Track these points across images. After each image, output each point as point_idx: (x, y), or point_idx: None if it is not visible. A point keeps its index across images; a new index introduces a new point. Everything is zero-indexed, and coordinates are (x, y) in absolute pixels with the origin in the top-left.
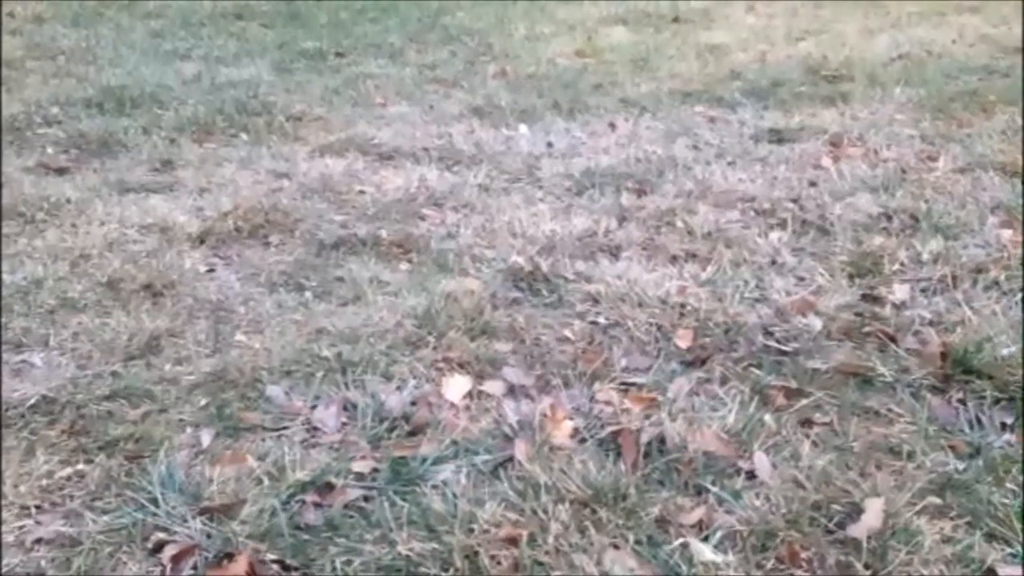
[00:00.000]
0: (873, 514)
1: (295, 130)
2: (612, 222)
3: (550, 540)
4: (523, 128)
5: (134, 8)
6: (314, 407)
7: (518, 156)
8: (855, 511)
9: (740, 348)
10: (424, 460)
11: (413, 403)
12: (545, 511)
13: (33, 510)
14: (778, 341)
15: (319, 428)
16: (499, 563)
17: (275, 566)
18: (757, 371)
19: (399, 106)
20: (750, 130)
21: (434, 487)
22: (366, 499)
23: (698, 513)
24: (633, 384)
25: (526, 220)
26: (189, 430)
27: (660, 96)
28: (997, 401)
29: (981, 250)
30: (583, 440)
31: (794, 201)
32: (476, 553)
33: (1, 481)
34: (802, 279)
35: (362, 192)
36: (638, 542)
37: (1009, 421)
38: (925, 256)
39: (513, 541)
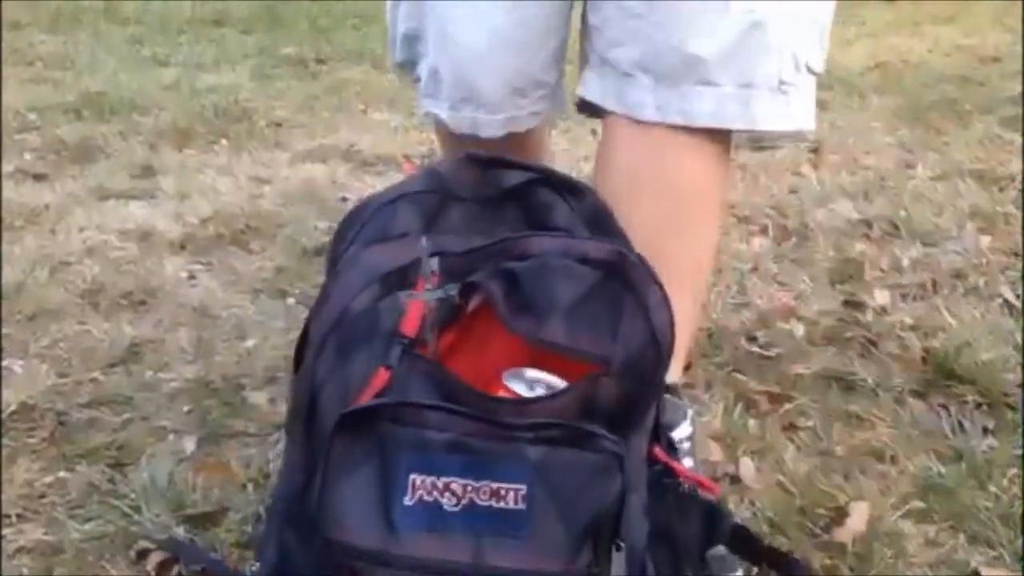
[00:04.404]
0: (858, 518)
1: (276, 136)
2: None
3: None
4: None
5: (112, 14)
6: None
7: None
8: (840, 515)
9: (724, 353)
10: None
11: None
12: None
13: (14, 518)
14: (761, 346)
15: None
16: None
17: None
18: (741, 376)
19: (381, 113)
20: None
21: None
22: None
23: None
24: None
25: None
26: (171, 437)
27: None
28: (979, 405)
29: (960, 256)
30: None
31: (775, 208)
32: None
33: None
34: (784, 285)
35: (345, 199)
36: None
37: (991, 425)
38: (905, 262)
39: None
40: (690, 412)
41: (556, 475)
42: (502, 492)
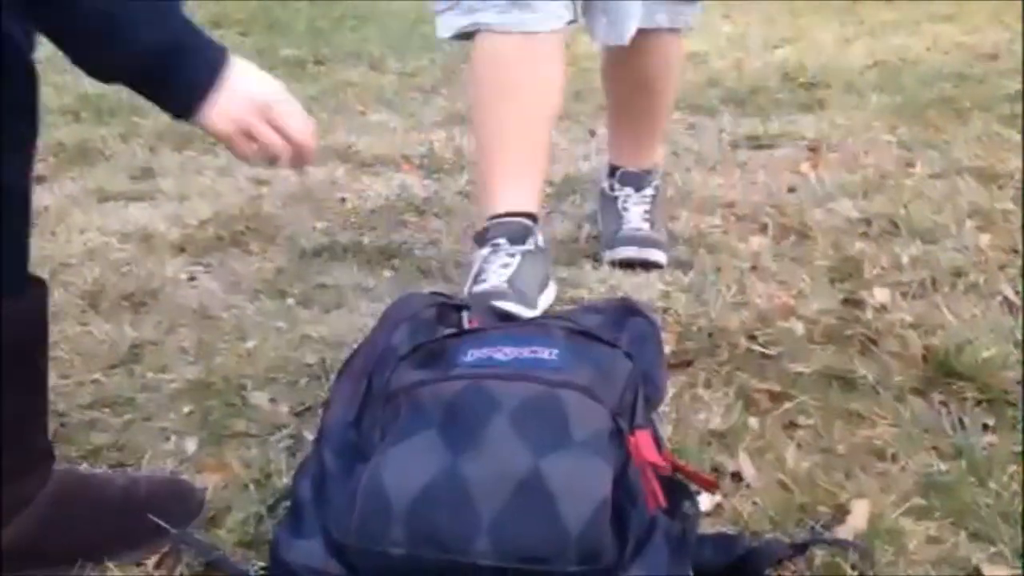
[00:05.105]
0: (859, 515)
1: None
2: (594, 228)
3: None
4: None
5: None
6: (299, 413)
7: None
8: (841, 513)
9: (723, 352)
10: None
11: None
12: None
13: None
14: (761, 345)
15: (304, 434)
16: None
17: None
18: (741, 375)
19: (379, 114)
20: (729, 136)
21: None
22: None
23: None
24: None
25: None
26: (173, 438)
27: None
28: (979, 403)
29: (959, 254)
30: None
31: (774, 206)
32: None
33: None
34: (783, 283)
35: (343, 199)
36: None
37: (991, 423)
38: (905, 260)
39: None
40: (657, 180)
41: (581, 348)
42: (540, 352)
